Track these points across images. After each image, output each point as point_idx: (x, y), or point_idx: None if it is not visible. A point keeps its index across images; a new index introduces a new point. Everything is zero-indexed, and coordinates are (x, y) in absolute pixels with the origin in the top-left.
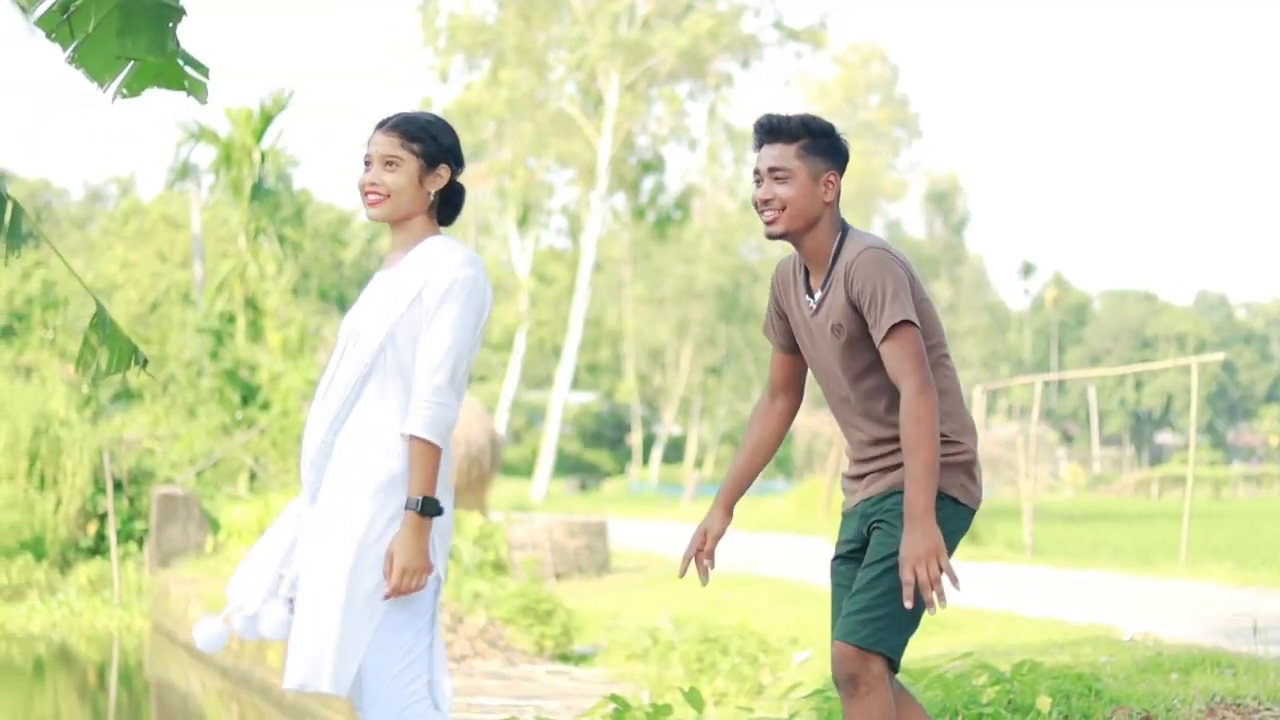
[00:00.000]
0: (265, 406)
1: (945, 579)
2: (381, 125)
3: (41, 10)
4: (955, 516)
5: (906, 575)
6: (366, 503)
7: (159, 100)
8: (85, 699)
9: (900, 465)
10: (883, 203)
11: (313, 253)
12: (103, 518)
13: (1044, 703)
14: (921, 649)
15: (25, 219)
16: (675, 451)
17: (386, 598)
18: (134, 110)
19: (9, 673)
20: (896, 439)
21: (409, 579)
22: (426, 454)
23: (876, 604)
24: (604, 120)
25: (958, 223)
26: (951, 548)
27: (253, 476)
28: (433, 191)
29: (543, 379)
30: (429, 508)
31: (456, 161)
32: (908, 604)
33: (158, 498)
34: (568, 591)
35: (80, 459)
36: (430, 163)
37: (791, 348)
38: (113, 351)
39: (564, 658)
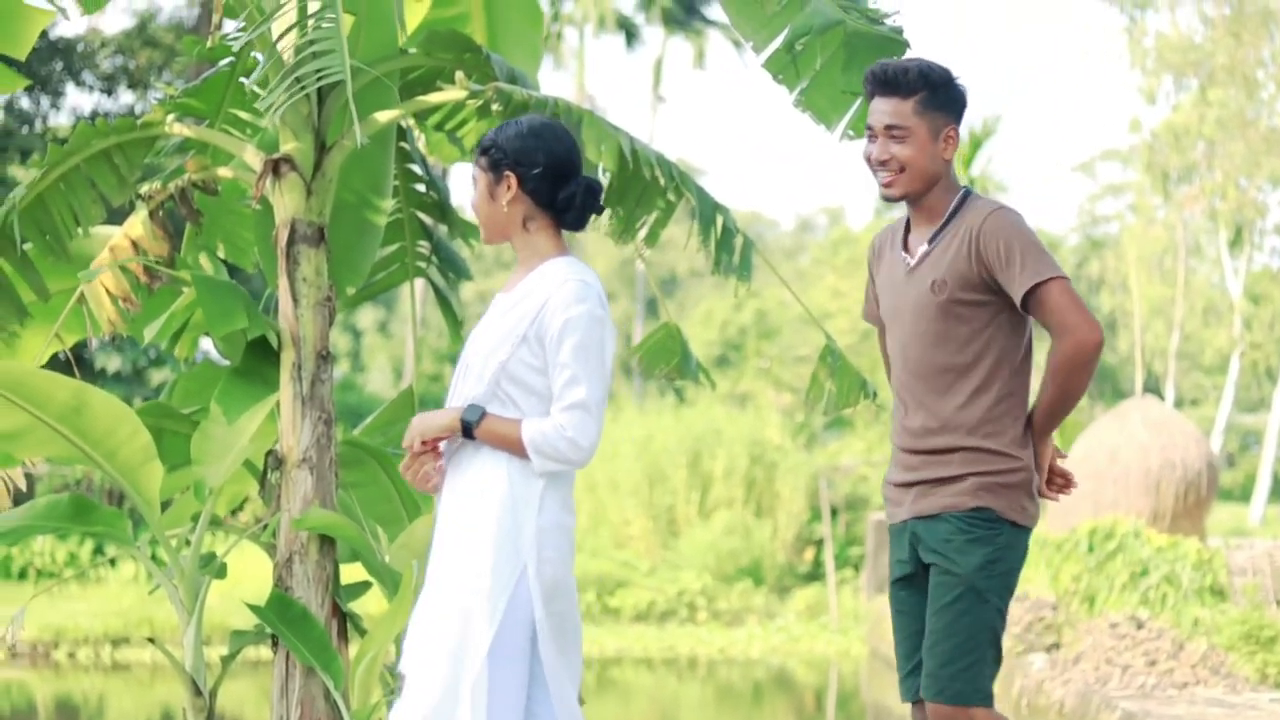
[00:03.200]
0: None
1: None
2: None
3: (768, 53)
4: (1017, 542)
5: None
6: (476, 555)
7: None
8: None
9: (952, 479)
10: None
11: None
12: (819, 544)
13: None
14: None
15: (755, 251)
16: None
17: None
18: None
19: (730, 696)
20: (953, 444)
21: (411, 432)
22: (515, 444)
23: (957, 655)
24: None
25: None
26: (1015, 576)
27: None
28: (506, 204)
29: (1257, 402)
30: (467, 428)
31: (524, 163)
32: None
33: (873, 524)
34: None
35: (796, 486)
36: (496, 174)
37: None
38: (841, 383)
39: None
